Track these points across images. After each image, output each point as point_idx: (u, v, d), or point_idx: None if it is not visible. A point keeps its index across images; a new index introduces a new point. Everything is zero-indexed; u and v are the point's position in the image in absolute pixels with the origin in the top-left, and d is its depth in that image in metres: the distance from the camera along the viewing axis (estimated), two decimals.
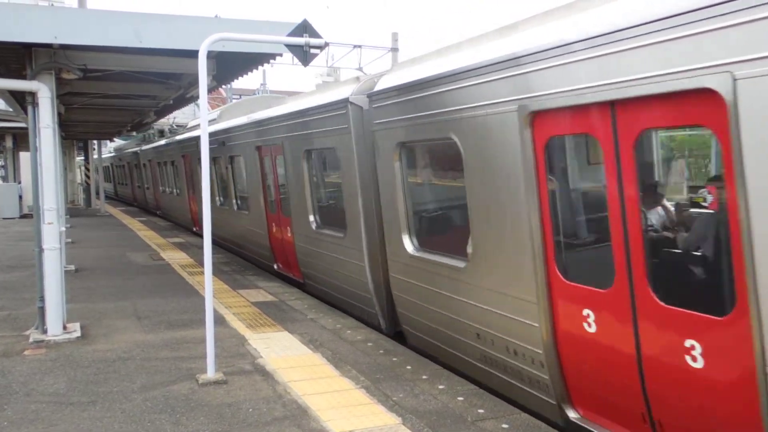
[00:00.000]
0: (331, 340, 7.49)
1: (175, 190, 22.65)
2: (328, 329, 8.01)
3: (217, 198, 16.32)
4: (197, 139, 15.89)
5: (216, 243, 16.41)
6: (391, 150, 7.34)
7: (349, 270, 9.00)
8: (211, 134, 14.91)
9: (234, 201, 14.93)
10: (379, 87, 7.58)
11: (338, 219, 9.27)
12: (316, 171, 10.49)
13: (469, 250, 6.32)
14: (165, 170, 24.04)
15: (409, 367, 6.48)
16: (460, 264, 6.41)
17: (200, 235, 17.53)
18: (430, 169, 7.83)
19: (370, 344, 7.34)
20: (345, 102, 8.31)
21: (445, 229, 7.65)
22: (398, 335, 8.12)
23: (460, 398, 5.63)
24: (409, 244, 7.36)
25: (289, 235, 11.27)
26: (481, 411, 5.34)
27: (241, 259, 14.45)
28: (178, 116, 26.73)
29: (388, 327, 8.46)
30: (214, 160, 15.83)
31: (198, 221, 18.50)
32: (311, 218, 10.20)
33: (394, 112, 7.18)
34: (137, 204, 34.30)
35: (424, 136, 6.77)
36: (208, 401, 5.61)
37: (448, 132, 6.20)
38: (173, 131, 26.00)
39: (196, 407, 5.47)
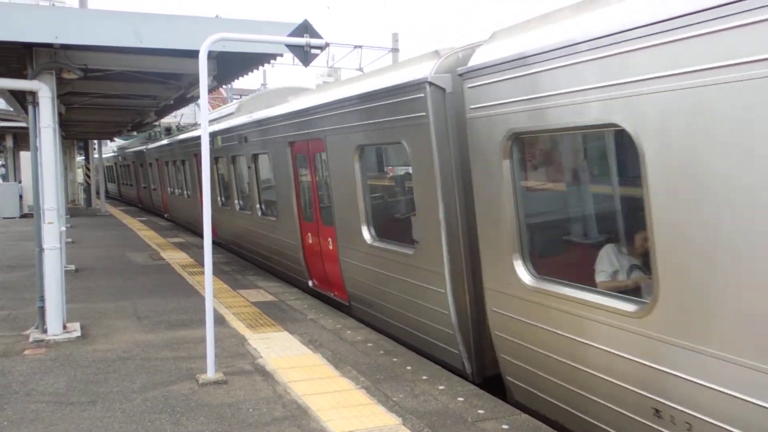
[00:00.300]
0: (332, 341, 7.49)
1: (185, 192, 20.80)
2: (328, 329, 8.00)
3: (237, 201, 14.48)
4: (212, 135, 14.74)
5: (235, 252, 15.11)
6: (499, 143, 5.48)
7: (421, 296, 7.14)
8: (229, 130, 13.82)
9: (258, 206, 12.98)
10: (477, 61, 5.75)
11: (406, 231, 7.63)
12: (372, 171, 8.71)
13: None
14: (174, 170, 22.17)
15: (409, 368, 6.48)
16: (629, 306, 4.45)
17: (214, 241, 16.62)
18: (564, 168, 5.90)
19: (370, 344, 7.34)
20: (422, 83, 6.49)
21: (591, 254, 5.41)
22: (490, 383, 6.47)
23: (461, 399, 5.63)
24: (523, 272, 5.47)
25: (332, 247, 9.38)
26: (481, 411, 5.34)
27: (257, 267, 13.18)
28: (186, 114, 26.36)
29: (476, 372, 6.67)
30: (233, 158, 14.29)
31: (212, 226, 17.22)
32: (365, 229, 8.29)
33: (506, 92, 5.35)
34: (142, 206, 32.11)
35: (559, 123, 4.87)
36: (208, 401, 5.61)
37: (610, 115, 4.37)
38: (180, 129, 25.21)
39: (196, 407, 5.47)
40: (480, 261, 6.11)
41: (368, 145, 8.07)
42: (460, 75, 5.96)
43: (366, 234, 8.28)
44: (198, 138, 17.44)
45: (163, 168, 24.44)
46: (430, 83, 6.42)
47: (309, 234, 10.35)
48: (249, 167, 13.01)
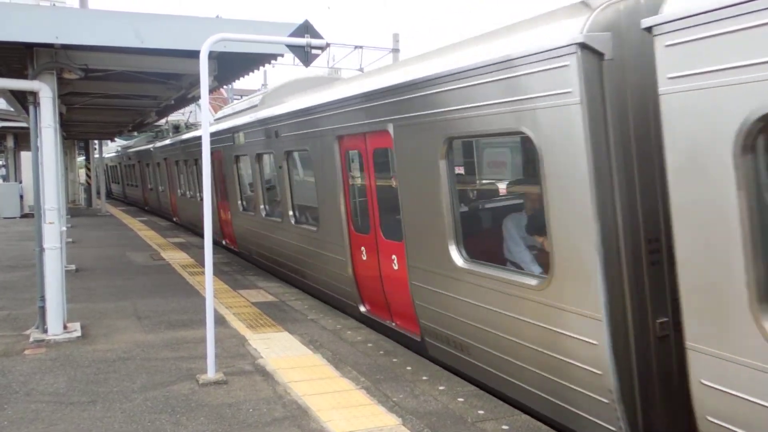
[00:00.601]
0: (332, 341, 7.50)
1: (198, 195, 18.80)
2: (328, 330, 8.01)
3: (263, 207, 12.53)
4: (232, 131, 13.54)
5: (260, 265, 13.21)
6: (734, 130, 3.57)
7: (553, 346, 5.13)
8: (255, 124, 12.22)
9: (291, 212, 10.93)
10: (686, 5, 3.82)
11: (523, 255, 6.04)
12: (467, 172, 7.12)
13: None
14: (185, 170, 20.12)
15: (409, 368, 6.48)
16: None
17: (230, 249, 15.29)
18: None
19: (370, 345, 7.34)
20: (569, 47, 4.62)
21: None
22: None
23: (461, 399, 5.63)
24: None
25: (397, 267, 7.50)
26: (481, 412, 5.34)
27: (291, 284, 11.18)
28: (195, 111, 25.93)
29: None
30: (258, 157, 12.38)
31: (229, 233, 15.28)
32: (453, 248, 6.32)
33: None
34: (149, 208, 29.82)
35: None
36: (208, 401, 5.62)
37: None
38: (190, 127, 24.43)
39: (196, 407, 5.48)
40: (666, 305, 4.56)
41: (464, 137, 6.16)
42: (648, 29, 4.07)
43: (455, 254, 6.31)
44: (214, 134, 14.95)
45: (172, 168, 22.56)
46: (583, 46, 4.53)
47: (363, 249, 8.38)
48: (280, 167, 11.06)
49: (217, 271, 11.86)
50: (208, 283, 6.17)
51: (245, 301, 9.75)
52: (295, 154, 10.74)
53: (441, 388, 5.92)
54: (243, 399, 5.66)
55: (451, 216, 6.33)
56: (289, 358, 6.84)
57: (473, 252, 6.27)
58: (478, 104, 5.67)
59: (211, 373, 6.15)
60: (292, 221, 10.89)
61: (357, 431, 5.00)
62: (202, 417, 5.27)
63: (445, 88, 6.09)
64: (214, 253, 6.38)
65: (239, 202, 14.11)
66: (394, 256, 7.59)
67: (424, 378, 6.19)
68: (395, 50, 24.46)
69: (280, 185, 11.21)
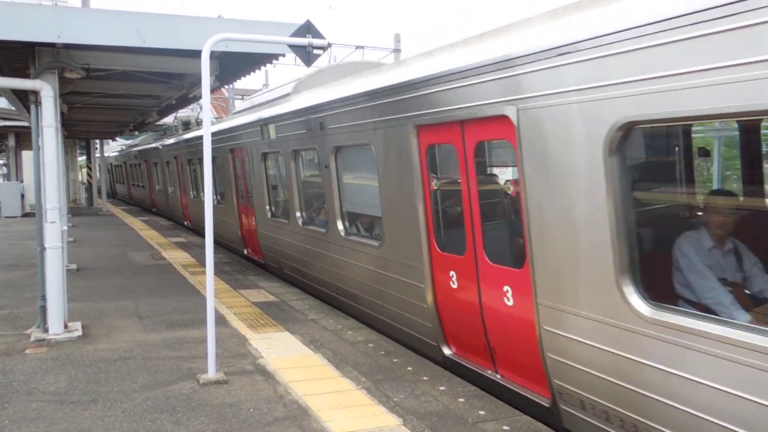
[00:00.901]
0: (332, 341, 7.50)
1: (214, 197, 15.56)
2: (329, 330, 8.01)
3: (299, 214, 10.70)
4: (259, 124, 11.91)
5: (292, 281, 11.49)
6: None
7: None
8: (290, 115, 10.36)
9: (339, 221, 9.04)
10: None
11: None
12: (651, 174, 5.46)
13: None
14: (200, 170, 17.99)
15: (410, 368, 6.48)
16: None
17: (253, 260, 13.91)
18: None
19: (371, 345, 7.34)
20: None
21: None
22: None
23: (461, 399, 5.63)
24: None
25: (511, 303, 5.67)
26: (482, 413, 5.34)
27: (335, 307, 9.39)
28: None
29: None
30: (294, 154, 10.59)
31: (253, 243, 13.73)
32: (629, 287, 4.33)
33: None
34: (156, 210, 28.23)
35: None
36: (209, 401, 5.62)
37: None
38: (201, 123, 23.72)
39: (197, 407, 5.48)
40: None
41: (659, 122, 4.10)
42: None
43: (634, 297, 4.31)
44: (233, 130, 13.66)
45: (183, 167, 20.48)
46: None
47: (453, 274, 6.52)
48: (326, 166, 9.12)
49: (218, 271, 11.86)
50: (209, 282, 6.17)
51: (246, 300, 9.75)
52: (345, 151, 8.83)
53: (442, 388, 5.92)
54: (244, 399, 5.66)
55: (626, 240, 4.34)
56: (290, 358, 6.85)
57: (664, 296, 4.35)
58: (698, 69, 3.61)
59: (211, 373, 6.15)
60: (342, 233, 8.96)
61: (358, 431, 5.00)
62: (203, 416, 5.27)
63: (625, 49, 4.06)
64: (215, 253, 6.38)
65: (267, 207, 12.31)
66: (507, 288, 5.75)
67: (425, 378, 6.19)
68: (396, 50, 24.48)
69: (327, 188, 9.23)
